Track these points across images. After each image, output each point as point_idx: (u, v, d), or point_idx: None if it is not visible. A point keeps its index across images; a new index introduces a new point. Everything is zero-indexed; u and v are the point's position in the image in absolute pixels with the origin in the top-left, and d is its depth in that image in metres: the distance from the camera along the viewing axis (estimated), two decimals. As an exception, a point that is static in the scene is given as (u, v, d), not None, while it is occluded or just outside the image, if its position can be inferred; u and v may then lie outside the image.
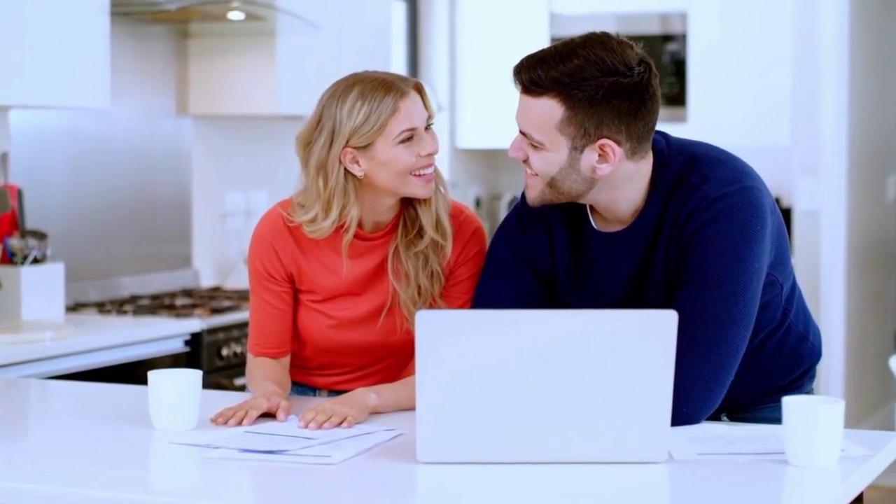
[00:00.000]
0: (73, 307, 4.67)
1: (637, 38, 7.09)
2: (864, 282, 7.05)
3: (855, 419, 6.78)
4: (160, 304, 4.79)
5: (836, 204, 6.60)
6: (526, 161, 2.64)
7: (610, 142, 2.57)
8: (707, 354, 2.54)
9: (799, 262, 6.58)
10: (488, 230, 3.00)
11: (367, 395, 2.72)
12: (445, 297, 2.91)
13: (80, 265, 4.84)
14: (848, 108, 6.64)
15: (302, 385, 3.03)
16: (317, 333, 2.95)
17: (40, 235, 4.42)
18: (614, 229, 2.70)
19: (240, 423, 2.63)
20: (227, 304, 4.82)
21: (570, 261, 2.75)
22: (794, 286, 2.78)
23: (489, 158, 7.31)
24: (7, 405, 3.10)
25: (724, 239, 2.56)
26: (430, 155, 2.82)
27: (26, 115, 4.63)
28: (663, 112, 7.11)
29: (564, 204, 2.71)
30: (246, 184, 5.70)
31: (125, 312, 4.60)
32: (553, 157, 2.60)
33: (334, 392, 2.96)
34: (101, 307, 4.69)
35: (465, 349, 2.27)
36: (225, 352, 4.57)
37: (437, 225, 2.88)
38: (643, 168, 2.65)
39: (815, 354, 2.84)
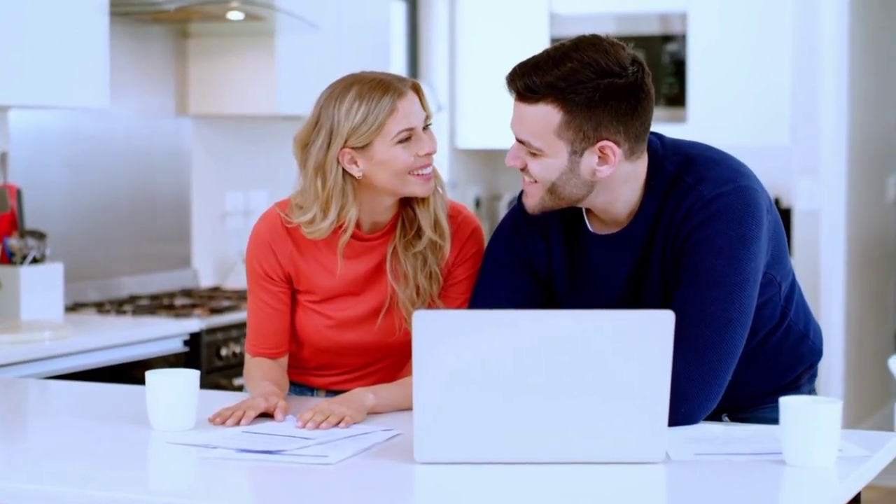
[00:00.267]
0: (73, 307, 4.67)
1: (637, 39, 7.11)
2: (864, 282, 7.05)
3: (855, 419, 6.78)
4: (159, 304, 4.79)
5: (835, 204, 6.60)
6: (524, 169, 2.64)
7: (610, 143, 2.58)
8: (705, 354, 2.54)
9: (799, 262, 6.58)
10: (488, 230, 3.00)
11: (365, 396, 2.72)
12: (443, 298, 2.91)
13: (80, 265, 4.84)
14: (848, 107, 6.64)
15: (300, 385, 3.04)
16: (315, 334, 2.95)
17: (39, 235, 4.42)
18: (610, 231, 2.70)
19: (238, 423, 2.63)
20: (226, 304, 4.82)
21: (566, 264, 2.75)
22: (793, 285, 2.78)
23: (489, 159, 7.31)
24: (6, 405, 3.10)
25: (720, 239, 2.57)
26: (429, 155, 2.82)
27: (26, 114, 4.63)
28: (663, 112, 7.15)
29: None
30: (245, 184, 5.70)
31: (124, 312, 4.60)
32: (553, 163, 2.59)
33: (332, 392, 2.96)
34: (101, 307, 4.69)
35: (463, 349, 2.27)
36: (224, 352, 4.57)
37: (436, 225, 2.88)
38: (639, 169, 2.65)
39: (815, 353, 2.84)
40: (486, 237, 2.94)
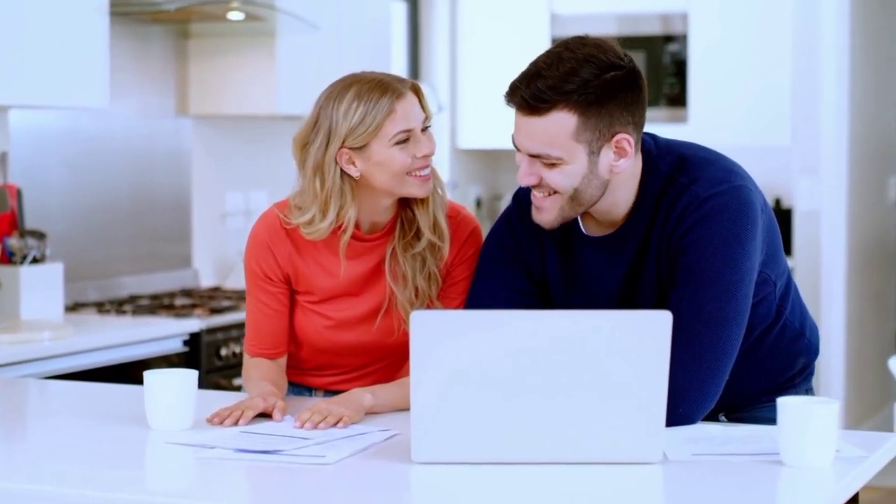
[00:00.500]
0: (73, 307, 4.68)
1: (638, 39, 7.06)
2: (865, 282, 7.05)
3: (855, 420, 6.78)
4: (159, 304, 4.79)
5: (836, 204, 6.59)
6: (537, 185, 2.61)
7: (624, 135, 2.58)
8: (702, 354, 2.54)
9: (799, 263, 6.58)
10: (489, 231, 2.99)
11: (363, 396, 2.72)
12: (442, 298, 2.91)
13: (80, 265, 4.84)
14: (848, 107, 6.64)
15: (298, 385, 3.04)
16: (314, 334, 2.95)
17: (39, 235, 4.42)
18: (603, 233, 2.70)
19: (236, 424, 2.63)
20: (226, 304, 4.82)
21: (560, 267, 2.75)
22: (788, 283, 2.78)
23: (490, 159, 7.31)
24: (6, 405, 3.10)
25: (715, 238, 2.57)
26: (426, 156, 2.81)
27: (26, 114, 4.63)
28: (664, 112, 7.13)
29: None
30: (245, 184, 5.71)
31: (124, 312, 4.60)
32: (574, 169, 2.58)
33: (330, 392, 2.96)
34: (101, 307, 4.69)
35: (460, 349, 2.27)
36: (224, 352, 4.57)
37: (435, 227, 2.88)
38: (636, 168, 2.65)
39: (812, 351, 2.85)
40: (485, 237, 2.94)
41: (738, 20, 6.57)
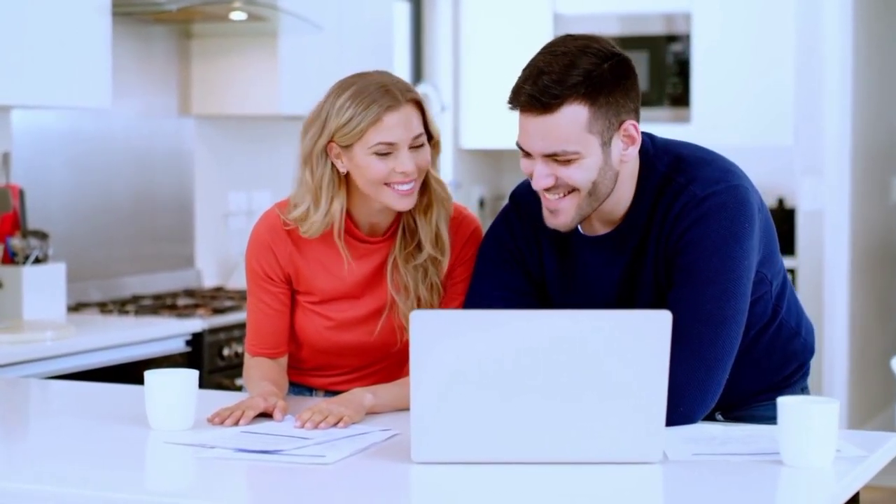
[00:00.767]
0: (75, 307, 4.68)
1: (641, 39, 7.05)
2: (868, 282, 7.04)
3: (859, 420, 6.78)
4: (162, 304, 4.80)
5: (839, 204, 6.59)
6: (551, 188, 2.59)
7: (630, 121, 2.59)
8: (702, 353, 2.54)
9: (802, 263, 6.57)
10: (486, 231, 2.98)
11: (364, 396, 2.72)
12: (443, 298, 2.91)
13: (82, 265, 4.84)
14: (851, 107, 6.64)
15: (298, 385, 3.04)
16: (314, 335, 2.95)
17: (42, 235, 4.42)
18: (601, 233, 2.70)
19: (236, 423, 2.63)
20: (228, 304, 4.82)
21: (558, 266, 2.75)
22: (784, 283, 2.78)
23: (493, 159, 7.31)
24: (7, 405, 3.10)
25: (713, 238, 2.57)
26: (405, 174, 2.77)
27: (28, 115, 4.63)
28: (667, 112, 7.12)
29: None
30: (248, 184, 5.71)
31: (127, 312, 4.60)
32: (591, 162, 2.57)
33: (331, 393, 2.96)
34: (103, 307, 4.70)
35: (460, 349, 2.27)
36: (226, 352, 4.58)
37: (437, 240, 2.87)
38: (634, 167, 2.65)
39: (808, 351, 2.85)
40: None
41: (741, 20, 6.57)
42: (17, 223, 4.40)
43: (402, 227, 2.89)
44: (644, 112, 7.00)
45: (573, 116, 2.53)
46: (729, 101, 6.58)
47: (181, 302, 4.88)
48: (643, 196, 2.66)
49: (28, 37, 4.16)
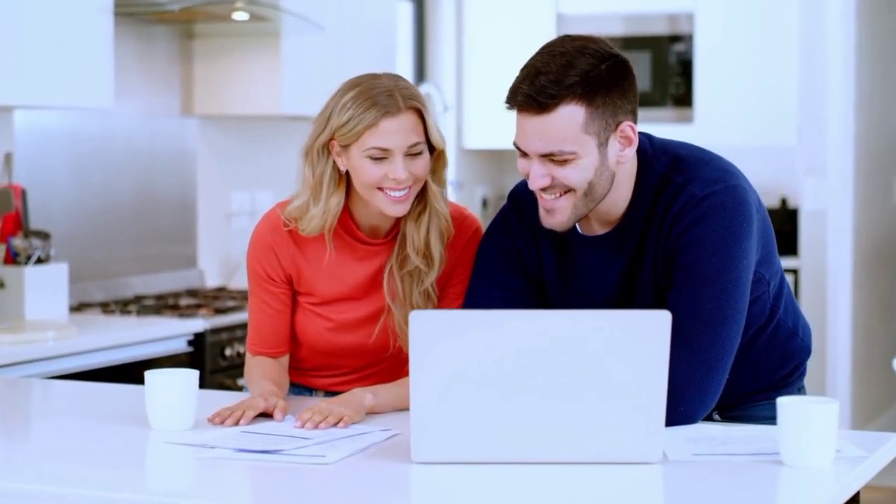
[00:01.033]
0: (77, 307, 4.68)
1: (644, 39, 7.04)
2: (871, 283, 7.04)
3: (861, 420, 6.77)
4: (164, 304, 4.80)
5: (842, 204, 6.59)
6: (547, 188, 2.59)
7: (628, 123, 2.59)
8: (702, 353, 2.55)
9: (805, 263, 6.57)
10: (486, 230, 2.98)
11: (364, 396, 2.72)
12: (443, 298, 2.91)
13: (85, 265, 4.84)
14: (854, 107, 6.63)
15: (298, 386, 3.03)
16: (314, 336, 2.95)
17: (44, 235, 4.43)
18: (600, 233, 2.70)
19: (236, 423, 2.63)
20: (231, 304, 4.82)
21: (557, 266, 2.75)
22: (781, 283, 2.78)
23: (495, 158, 7.31)
24: (9, 405, 3.10)
25: (712, 237, 2.57)
26: (398, 181, 2.77)
27: (30, 115, 4.63)
28: (670, 112, 7.11)
29: None
30: (251, 184, 5.71)
31: (129, 312, 4.60)
32: (588, 162, 2.57)
33: (331, 393, 2.96)
34: (106, 307, 4.70)
35: (459, 349, 2.27)
36: (228, 352, 4.58)
37: (425, 251, 2.86)
38: (632, 166, 2.65)
39: (805, 351, 2.85)
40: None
41: (744, 20, 6.57)
42: (19, 223, 4.40)
43: (401, 233, 2.89)
44: (647, 112, 7.03)
45: (570, 117, 2.53)
46: (732, 102, 6.58)
47: (183, 302, 4.88)
48: (642, 196, 2.66)
49: (30, 37, 4.16)
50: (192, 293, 5.15)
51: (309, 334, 2.95)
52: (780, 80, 6.49)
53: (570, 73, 2.52)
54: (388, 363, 2.95)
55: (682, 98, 6.69)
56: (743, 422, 2.70)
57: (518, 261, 2.78)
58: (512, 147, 2.65)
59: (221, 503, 2.20)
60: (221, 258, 5.57)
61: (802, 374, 2.87)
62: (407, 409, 2.57)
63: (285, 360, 2.99)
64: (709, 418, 2.69)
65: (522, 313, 2.35)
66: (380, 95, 2.76)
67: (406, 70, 6.86)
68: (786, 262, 6.46)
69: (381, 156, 2.76)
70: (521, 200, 2.79)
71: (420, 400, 2.29)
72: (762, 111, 6.53)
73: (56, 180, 4.76)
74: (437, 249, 2.86)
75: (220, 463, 2.36)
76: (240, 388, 4.40)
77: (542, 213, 2.65)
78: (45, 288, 4.36)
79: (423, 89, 6.76)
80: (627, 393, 2.28)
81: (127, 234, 5.09)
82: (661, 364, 2.27)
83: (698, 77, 6.62)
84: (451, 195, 2.97)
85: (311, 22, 5.12)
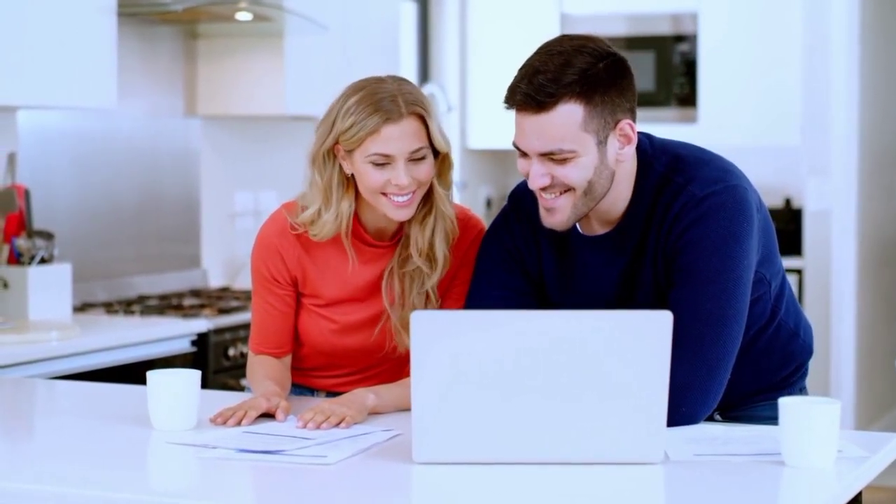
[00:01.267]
0: (81, 307, 4.68)
1: (648, 39, 7.03)
2: (875, 283, 7.03)
3: (865, 420, 6.77)
4: (168, 305, 4.80)
5: (846, 204, 6.58)
6: (546, 187, 2.59)
7: (626, 121, 2.59)
8: (703, 353, 2.54)
9: (809, 263, 6.57)
10: (486, 230, 2.98)
11: (366, 396, 2.72)
12: (446, 299, 2.91)
13: (88, 265, 4.84)
14: (858, 107, 6.63)
15: (300, 386, 3.03)
16: (318, 337, 2.95)
17: (47, 235, 4.43)
18: (599, 233, 2.70)
19: (238, 424, 2.63)
20: (234, 304, 4.83)
21: (557, 266, 2.75)
22: (783, 283, 2.78)
23: (499, 159, 7.31)
24: (11, 405, 3.11)
25: (712, 237, 2.57)
26: (399, 187, 2.76)
27: (33, 115, 4.64)
28: (674, 112, 7.10)
29: None
30: (254, 184, 5.71)
31: (132, 313, 4.60)
32: (587, 161, 2.57)
33: (332, 394, 2.96)
34: (109, 307, 4.70)
35: (461, 350, 2.27)
36: (231, 352, 4.58)
37: (429, 252, 2.86)
38: (632, 166, 2.65)
39: (806, 351, 2.85)
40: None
41: (747, 20, 6.56)
42: (22, 223, 4.40)
43: (405, 233, 2.89)
44: (651, 112, 7.02)
45: (568, 115, 2.53)
46: (736, 101, 6.58)
47: (187, 302, 4.89)
48: (642, 196, 2.66)
49: (33, 37, 4.16)
50: (195, 293, 5.15)
51: (312, 335, 2.95)
52: (784, 80, 6.49)
53: (568, 72, 2.53)
54: (390, 364, 2.95)
55: (686, 98, 6.69)
56: (744, 422, 2.70)
57: (518, 261, 2.78)
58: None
59: (223, 503, 2.21)
60: (225, 258, 5.57)
61: (804, 374, 2.87)
62: (409, 409, 2.58)
63: (288, 359, 2.99)
64: (710, 419, 2.69)
65: (523, 313, 2.35)
66: (382, 101, 2.75)
67: (409, 70, 6.86)
68: (790, 263, 6.46)
69: (383, 161, 2.76)
70: (522, 201, 2.79)
71: (421, 400, 2.29)
72: (766, 111, 6.53)
73: (59, 180, 4.76)
74: (441, 251, 2.86)
75: (222, 463, 2.36)
76: (242, 389, 4.40)
77: (542, 212, 2.65)
78: (48, 288, 4.37)
79: (427, 89, 6.76)
80: (629, 393, 2.28)
81: (130, 234, 5.09)
82: (662, 364, 2.27)
83: (702, 77, 6.62)
84: (455, 196, 2.96)
85: (314, 22, 5.12)
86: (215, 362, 4.52)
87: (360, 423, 2.63)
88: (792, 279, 6.45)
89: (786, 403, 2.30)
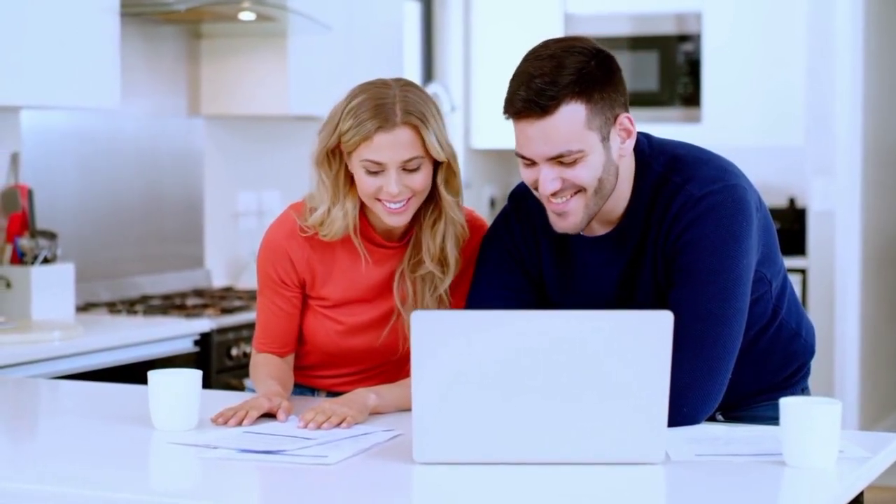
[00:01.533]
0: (84, 307, 4.68)
1: (652, 39, 7.03)
2: (880, 283, 7.03)
3: (870, 420, 6.76)
4: (171, 304, 4.80)
5: (850, 204, 6.58)
6: (556, 192, 2.58)
7: (625, 114, 2.60)
8: (704, 353, 2.54)
9: (813, 263, 6.56)
10: (487, 230, 2.98)
11: (368, 396, 2.72)
12: (452, 297, 2.90)
13: (91, 265, 4.85)
14: (862, 107, 6.62)
15: (301, 386, 3.03)
16: (323, 338, 2.94)
17: (50, 235, 4.43)
18: (599, 233, 2.70)
19: (240, 424, 2.62)
20: (237, 304, 4.83)
21: (556, 266, 2.75)
22: (784, 283, 2.78)
23: (503, 158, 7.31)
24: (12, 405, 3.11)
25: (711, 237, 2.57)
26: (391, 195, 2.75)
27: (37, 115, 4.64)
28: (678, 112, 7.10)
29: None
30: (258, 184, 5.71)
31: (135, 312, 4.60)
32: (595, 159, 2.57)
33: (333, 394, 2.96)
34: (112, 307, 4.70)
35: (461, 350, 2.27)
36: (234, 352, 4.58)
37: (440, 257, 2.85)
38: (630, 165, 2.66)
39: (808, 351, 2.84)
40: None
41: (751, 20, 6.56)
42: (25, 223, 4.41)
43: (415, 236, 2.88)
44: (654, 112, 7.02)
45: (572, 115, 2.53)
46: (740, 101, 6.58)
47: (190, 302, 4.89)
48: (640, 196, 2.65)
49: (36, 37, 4.17)
50: (198, 293, 5.15)
51: (318, 336, 2.95)
52: (789, 80, 6.48)
53: (564, 73, 2.53)
54: (390, 364, 2.95)
55: (690, 98, 6.69)
56: (746, 422, 2.70)
57: (518, 261, 2.78)
58: (519, 147, 2.65)
59: (224, 503, 2.20)
60: (228, 258, 5.57)
61: (806, 374, 2.86)
62: (410, 409, 2.58)
63: (291, 358, 2.98)
64: (712, 419, 2.69)
65: (524, 313, 2.35)
66: (379, 108, 2.74)
67: (413, 70, 6.86)
68: (794, 263, 6.45)
69: (375, 169, 2.75)
70: (522, 201, 2.79)
71: (422, 400, 2.29)
72: (770, 111, 6.53)
73: (62, 180, 4.76)
74: (452, 255, 2.86)
75: (223, 463, 2.36)
76: (243, 389, 4.40)
77: (553, 218, 2.64)
78: (51, 288, 4.37)
79: (431, 89, 6.75)
80: (629, 393, 2.27)
81: (133, 234, 5.09)
82: (663, 364, 2.26)
83: (706, 77, 6.62)
84: (459, 196, 2.95)
85: (318, 22, 5.12)
86: (218, 362, 4.52)
87: (361, 423, 2.63)
88: (796, 279, 6.45)
89: (787, 404, 2.30)
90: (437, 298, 2.88)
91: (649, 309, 2.40)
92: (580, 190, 2.59)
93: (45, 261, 4.40)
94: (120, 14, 4.48)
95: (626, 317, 2.30)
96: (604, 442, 2.29)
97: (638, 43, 6.71)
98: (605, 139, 2.57)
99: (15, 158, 4.50)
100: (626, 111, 2.61)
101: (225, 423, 2.63)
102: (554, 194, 2.59)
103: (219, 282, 5.50)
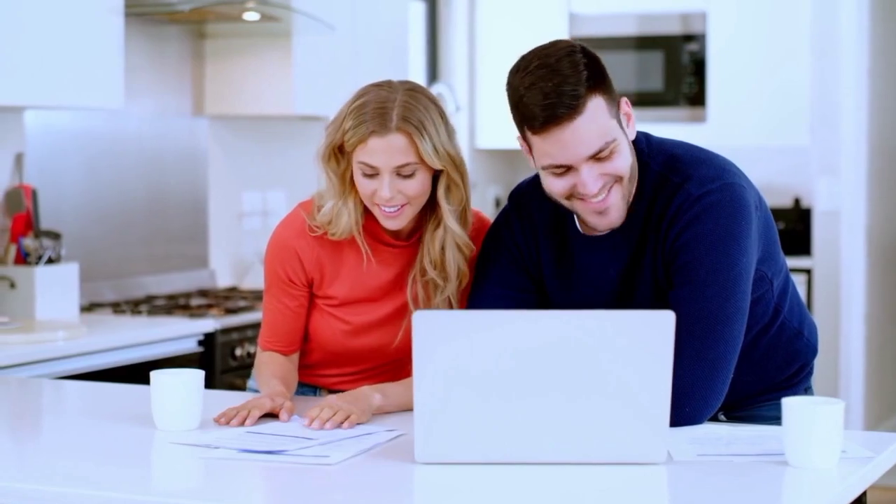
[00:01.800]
0: (88, 307, 4.68)
1: (657, 38, 7.03)
2: (885, 282, 7.02)
3: (875, 420, 6.75)
4: (175, 304, 4.80)
5: (855, 204, 6.57)
6: (600, 190, 2.58)
7: (623, 98, 2.64)
8: (705, 352, 2.54)
9: (818, 263, 6.55)
10: (487, 230, 2.97)
11: (372, 396, 2.72)
12: (458, 297, 2.90)
13: (96, 265, 4.85)
14: (868, 106, 6.62)
15: (304, 384, 3.03)
16: (329, 338, 2.95)
17: (55, 236, 4.43)
18: (599, 232, 2.70)
19: (242, 424, 2.63)
20: (242, 304, 4.83)
21: (557, 265, 2.75)
22: (786, 282, 2.77)
23: (508, 158, 7.31)
24: (15, 404, 3.11)
25: (710, 236, 2.57)
26: (383, 199, 2.75)
27: (41, 115, 4.64)
28: (684, 112, 7.10)
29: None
30: (262, 184, 5.71)
31: (140, 312, 4.61)
32: (624, 145, 2.60)
33: (334, 392, 2.96)
34: (116, 307, 4.70)
35: (463, 350, 2.26)
36: (238, 352, 4.58)
37: (441, 264, 2.86)
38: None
39: (811, 351, 2.84)
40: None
41: (757, 19, 6.55)
42: (30, 223, 4.41)
43: (422, 238, 2.88)
44: (659, 112, 7.01)
45: (598, 108, 2.54)
46: (745, 101, 6.57)
47: (194, 302, 4.89)
48: (640, 195, 2.66)
49: (41, 37, 4.17)
50: (203, 293, 5.16)
51: (324, 336, 2.95)
52: (794, 80, 6.48)
53: (573, 73, 2.53)
54: (392, 363, 2.95)
55: (695, 97, 6.68)
56: (749, 422, 2.70)
57: (518, 260, 2.78)
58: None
59: (225, 503, 2.20)
60: (233, 258, 5.57)
61: (809, 373, 2.86)
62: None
63: (296, 356, 2.99)
64: (714, 419, 2.69)
65: (526, 313, 2.34)
66: (378, 111, 2.74)
67: (418, 70, 6.86)
68: (799, 262, 6.45)
69: (370, 172, 2.76)
70: (522, 201, 2.80)
71: (423, 400, 2.29)
72: (775, 111, 6.52)
73: (67, 180, 4.77)
74: (452, 265, 2.85)
75: (224, 463, 2.37)
76: (250, 389, 4.40)
77: (593, 219, 2.63)
78: (55, 288, 4.37)
79: (435, 89, 6.75)
80: (631, 393, 2.27)
81: (138, 234, 5.10)
82: (664, 364, 2.26)
83: (711, 76, 6.61)
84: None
85: (322, 22, 5.12)
86: (222, 362, 4.52)
87: (364, 423, 2.63)
88: (801, 279, 6.45)
89: (789, 404, 2.30)
90: (446, 301, 2.88)
91: (649, 308, 2.40)
92: (617, 180, 2.60)
93: (50, 261, 4.40)
94: (124, 14, 4.48)
95: (627, 317, 2.30)
96: (606, 442, 2.29)
97: (643, 43, 6.70)
98: (620, 124, 2.60)
99: (19, 159, 4.51)
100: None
101: (227, 423, 2.64)
102: (597, 192, 2.59)
103: (223, 282, 5.50)
